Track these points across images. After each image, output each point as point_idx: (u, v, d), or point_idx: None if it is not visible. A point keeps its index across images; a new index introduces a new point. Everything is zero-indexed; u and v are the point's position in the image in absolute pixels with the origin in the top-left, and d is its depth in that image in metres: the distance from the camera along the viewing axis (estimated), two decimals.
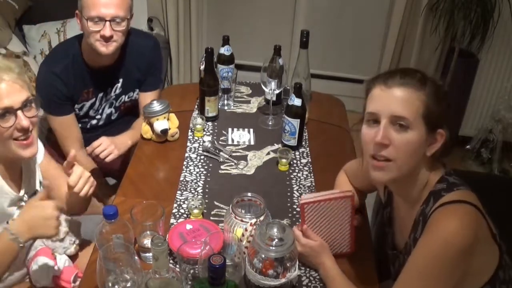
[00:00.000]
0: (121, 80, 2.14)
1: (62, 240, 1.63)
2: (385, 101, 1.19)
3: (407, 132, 1.17)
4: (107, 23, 1.88)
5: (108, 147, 1.96)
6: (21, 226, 1.33)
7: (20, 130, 1.39)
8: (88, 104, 2.13)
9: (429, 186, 1.24)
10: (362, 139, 1.24)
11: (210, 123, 2.06)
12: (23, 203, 1.50)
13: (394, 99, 1.18)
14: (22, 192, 1.52)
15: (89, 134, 2.14)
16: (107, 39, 1.90)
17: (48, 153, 1.70)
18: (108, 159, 1.97)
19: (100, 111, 2.19)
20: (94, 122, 2.21)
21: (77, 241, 1.67)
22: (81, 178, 1.48)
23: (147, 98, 2.12)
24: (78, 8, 1.94)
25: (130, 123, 2.19)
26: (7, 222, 1.41)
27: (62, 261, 1.62)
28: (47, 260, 1.54)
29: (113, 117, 2.24)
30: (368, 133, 1.22)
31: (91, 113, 2.17)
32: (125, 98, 2.20)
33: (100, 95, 2.13)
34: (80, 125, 2.15)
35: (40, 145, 1.58)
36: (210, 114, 2.06)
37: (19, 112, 1.37)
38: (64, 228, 1.62)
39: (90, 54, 2.02)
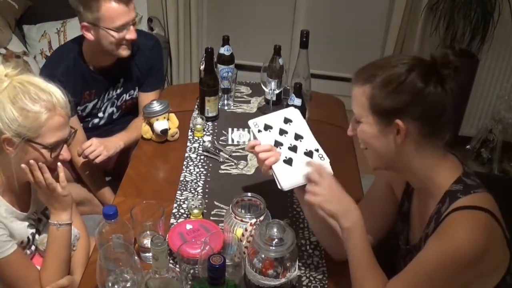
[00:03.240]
0: (121, 80, 2.15)
1: None
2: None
3: (359, 125, 1.28)
4: (131, 27, 1.93)
5: (98, 148, 1.96)
6: (53, 212, 1.45)
7: (61, 161, 1.43)
8: (90, 105, 2.14)
9: (444, 185, 1.24)
10: None
11: (210, 123, 2.06)
12: (32, 221, 1.51)
13: (352, 98, 1.30)
14: (30, 211, 1.51)
15: (91, 133, 2.14)
16: (133, 41, 1.96)
17: None
18: (97, 160, 1.96)
19: (103, 109, 2.19)
20: (96, 121, 2.22)
21: (74, 248, 1.65)
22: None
23: (147, 98, 2.12)
24: (88, 20, 1.91)
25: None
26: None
27: None
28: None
29: (114, 116, 2.24)
30: None
31: (94, 112, 2.18)
32: (126, 96, 2.21)
33: (102, 95, 2.14)
34: (82, 124, 2.14)
35: None
36: (210, 114, 2.06)
37: (65, 145, 1.42)
38: None
39: (94, 57, 2.03)
